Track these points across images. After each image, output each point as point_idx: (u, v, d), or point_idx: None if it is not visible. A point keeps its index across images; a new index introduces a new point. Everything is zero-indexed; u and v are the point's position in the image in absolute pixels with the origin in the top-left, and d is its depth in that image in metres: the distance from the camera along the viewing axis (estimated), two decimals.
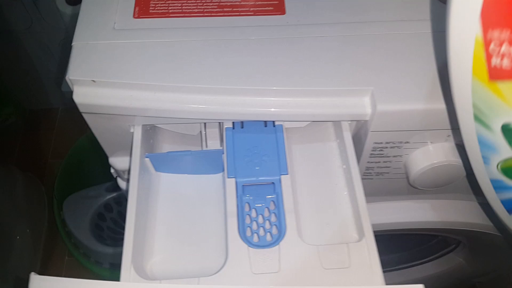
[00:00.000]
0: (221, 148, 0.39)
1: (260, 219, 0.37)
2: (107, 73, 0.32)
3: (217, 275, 0.31)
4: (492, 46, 0.22)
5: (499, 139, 0.25)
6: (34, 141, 1.38)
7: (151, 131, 0.39)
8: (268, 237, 0.35)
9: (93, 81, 0.32)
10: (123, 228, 1.04)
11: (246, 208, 0.37)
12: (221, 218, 0.37)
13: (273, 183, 0.36)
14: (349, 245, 0.32)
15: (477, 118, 0.25)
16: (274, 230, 0.35)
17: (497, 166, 0.27)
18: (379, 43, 0.36)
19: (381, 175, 0.42)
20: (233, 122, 0.38)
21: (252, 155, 0.37)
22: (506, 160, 0.26)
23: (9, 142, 1.34)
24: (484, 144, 0.26)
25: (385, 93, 0.33)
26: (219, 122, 0.40)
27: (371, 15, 0.38)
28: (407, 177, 0.39)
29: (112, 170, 0.43)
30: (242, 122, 0.38)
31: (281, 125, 0.38)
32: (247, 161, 0.37)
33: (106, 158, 0.41)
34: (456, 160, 0.37)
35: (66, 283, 0.26)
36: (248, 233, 0.36)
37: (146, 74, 0.33)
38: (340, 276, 0.30)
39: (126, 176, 0.43)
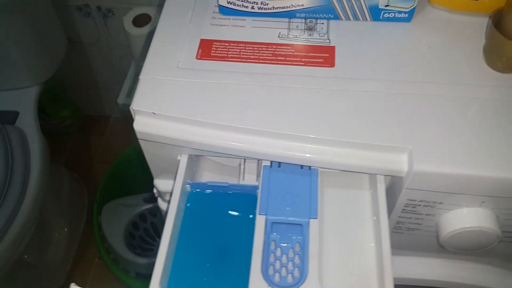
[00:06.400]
0: (257, 183, 0.41)
1: (284, 259, 0.38)
2: (167, 107, 0.36)
3: None
4: None
5: None
6: (84, 145, 1.47)
7: (195, 159, 0.42)
8: (290, 279, 0.37)
9: (154, 113, 0.36)
10: (153, 239, 1.09)
11: (272, 246, 0.39)
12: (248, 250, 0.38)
13: (301, 224, 0.37)
14: None
15: None
16: (296, 272, 0.36)
17: None
18: (424, 104, 0.37)
19: (412, 231, 0.42)
20: (271, 161, 0.40)
21: (285, 194, 0.38)
22: None
23: (62, 142, 1.43)
24: None
25: (423, 153, 0.35)
26: (258, 159, 0.42)
27: (419, 75, 0.39)
28: (437, 237, 0.40)
29: (155, 191, 0.46)
30: (279, 162, 0.40)
31: (317, 169, 0.39)
32: (279, 200, 0.38)
33: (148, 171, 0.44)
34: (489, 227, 0.37)
35: None
36: (271, 271, 0.38)
37: (200, 112, 0.36)
38: None
39: (167, 198, 0.46)
